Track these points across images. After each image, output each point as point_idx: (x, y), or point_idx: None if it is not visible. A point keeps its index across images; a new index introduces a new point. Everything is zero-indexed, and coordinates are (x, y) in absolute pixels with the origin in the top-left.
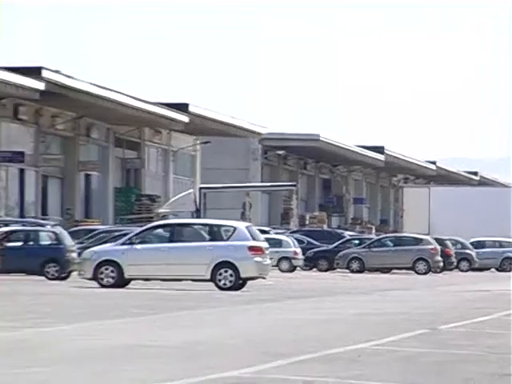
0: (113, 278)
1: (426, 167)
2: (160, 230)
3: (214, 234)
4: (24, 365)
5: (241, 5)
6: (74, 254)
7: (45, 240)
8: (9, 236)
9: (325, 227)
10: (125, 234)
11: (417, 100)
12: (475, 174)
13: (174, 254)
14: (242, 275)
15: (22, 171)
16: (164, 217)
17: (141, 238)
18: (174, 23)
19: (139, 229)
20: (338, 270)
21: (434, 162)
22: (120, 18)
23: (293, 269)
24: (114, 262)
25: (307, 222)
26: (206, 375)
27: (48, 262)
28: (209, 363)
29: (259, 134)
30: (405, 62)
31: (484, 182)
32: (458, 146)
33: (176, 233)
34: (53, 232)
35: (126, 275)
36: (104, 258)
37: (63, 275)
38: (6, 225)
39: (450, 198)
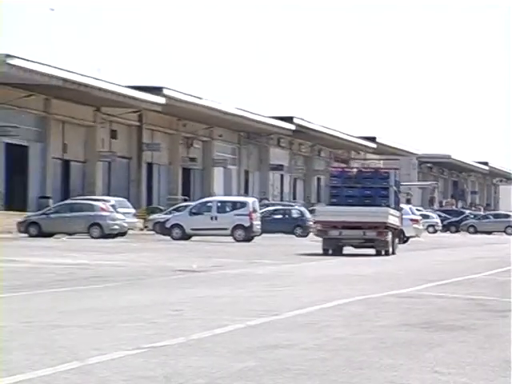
0: None
1: None
2: None
3: None
4: (281, 285)
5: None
6: (311, 222)
7: (294, 214)
8: (273, 212)
9: (453, 208)
10: None
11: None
12: None
13: None
14: (406, 235)
15: (281, 176)
16: None
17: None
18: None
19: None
20: (462, 232)
21: None
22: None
23: (435, 232)
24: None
25: (443, 205)
26: (385, 292)
27: (296, 227)
28: (387, 285)
29: (416, 154)
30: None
31: None
32: None
33: None
34: (299, 210)
35: None
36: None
37: (304, 235)
38: (268, 205)
39: None
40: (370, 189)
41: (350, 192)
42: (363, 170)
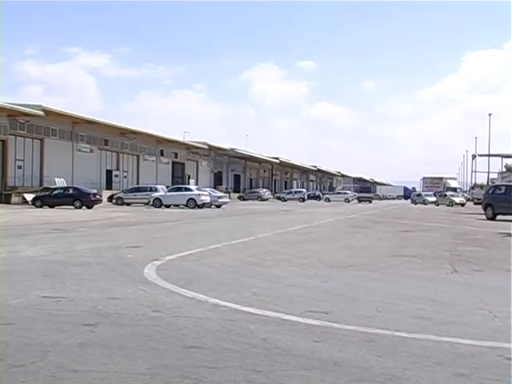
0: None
1: None
2: None
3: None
4: (312, 215)
5: None
6: (325, 197)
7: (318, 195)
8: (310, 194)
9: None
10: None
11: None
12: None
13: None
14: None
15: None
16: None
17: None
18: None
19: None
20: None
21: None
22: None
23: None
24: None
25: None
26: (342, 216)
27: (319, 198)
28: (344, 214)
29: (352, 176)
30: None
31: None
32: None
33: None
34: (320, 193)
35: None
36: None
37: (325, 201)
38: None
39: None
40: (366, 190)
41: (363, 190)
42: (365, 186)
